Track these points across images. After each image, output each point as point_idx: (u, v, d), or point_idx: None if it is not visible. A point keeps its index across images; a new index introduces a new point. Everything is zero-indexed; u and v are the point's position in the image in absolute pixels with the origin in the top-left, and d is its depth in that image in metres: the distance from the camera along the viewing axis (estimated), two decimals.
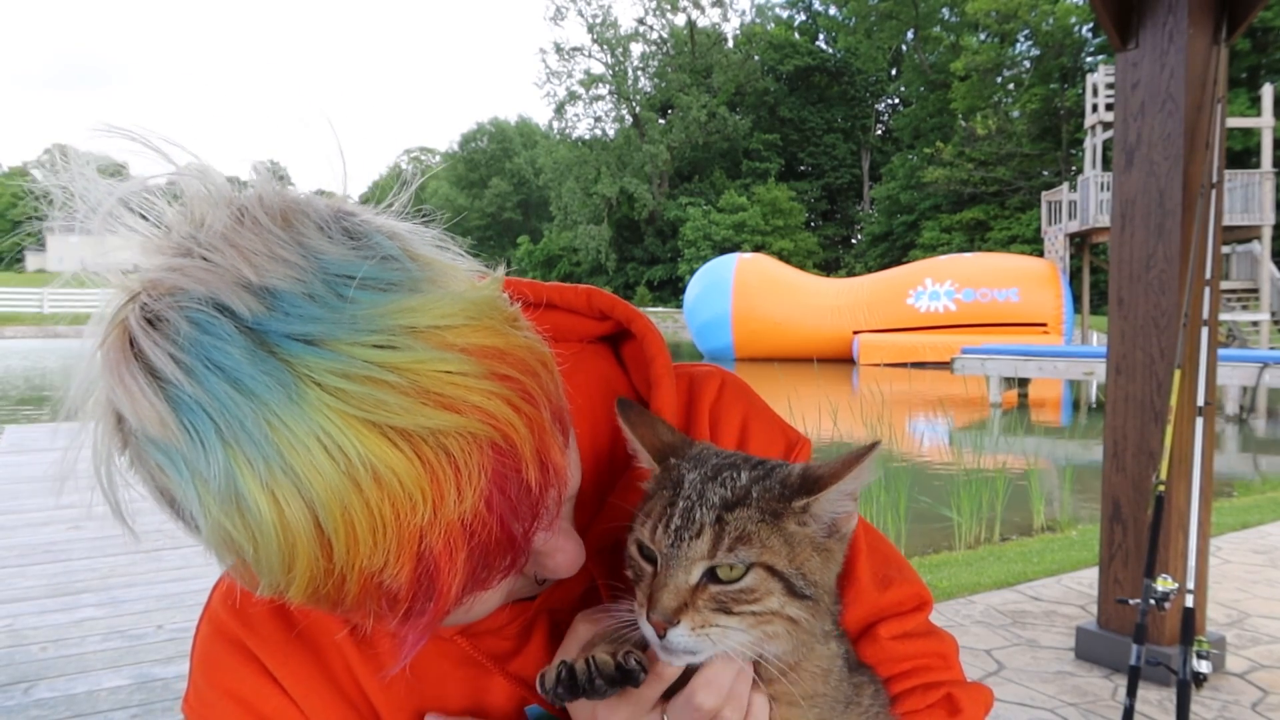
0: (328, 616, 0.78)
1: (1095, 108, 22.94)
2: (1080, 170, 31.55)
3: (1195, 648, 2.93)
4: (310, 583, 0.53)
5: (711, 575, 0.65)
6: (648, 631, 0.65)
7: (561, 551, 0.69)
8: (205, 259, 0.54)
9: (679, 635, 0.64)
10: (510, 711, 0.81)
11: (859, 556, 0.88)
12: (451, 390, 0.53)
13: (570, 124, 65.62)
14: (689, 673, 0.69)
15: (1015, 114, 45.08)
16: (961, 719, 0.85)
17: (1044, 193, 27.66)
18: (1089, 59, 41.50)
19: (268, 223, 0.56)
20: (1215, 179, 3.49)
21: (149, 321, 0.53)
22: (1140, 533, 3.68)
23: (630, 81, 62.25)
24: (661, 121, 60.01)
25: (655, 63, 62.33)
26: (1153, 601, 2.92)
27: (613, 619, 0.73)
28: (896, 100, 60.44)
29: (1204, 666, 2.95)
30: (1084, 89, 26.80)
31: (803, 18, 64.12)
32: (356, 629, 0.78)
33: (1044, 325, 22.91)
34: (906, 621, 0.87)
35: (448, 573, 0.54)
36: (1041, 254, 26.93)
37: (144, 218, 0.58)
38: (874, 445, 0.68)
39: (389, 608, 0.55)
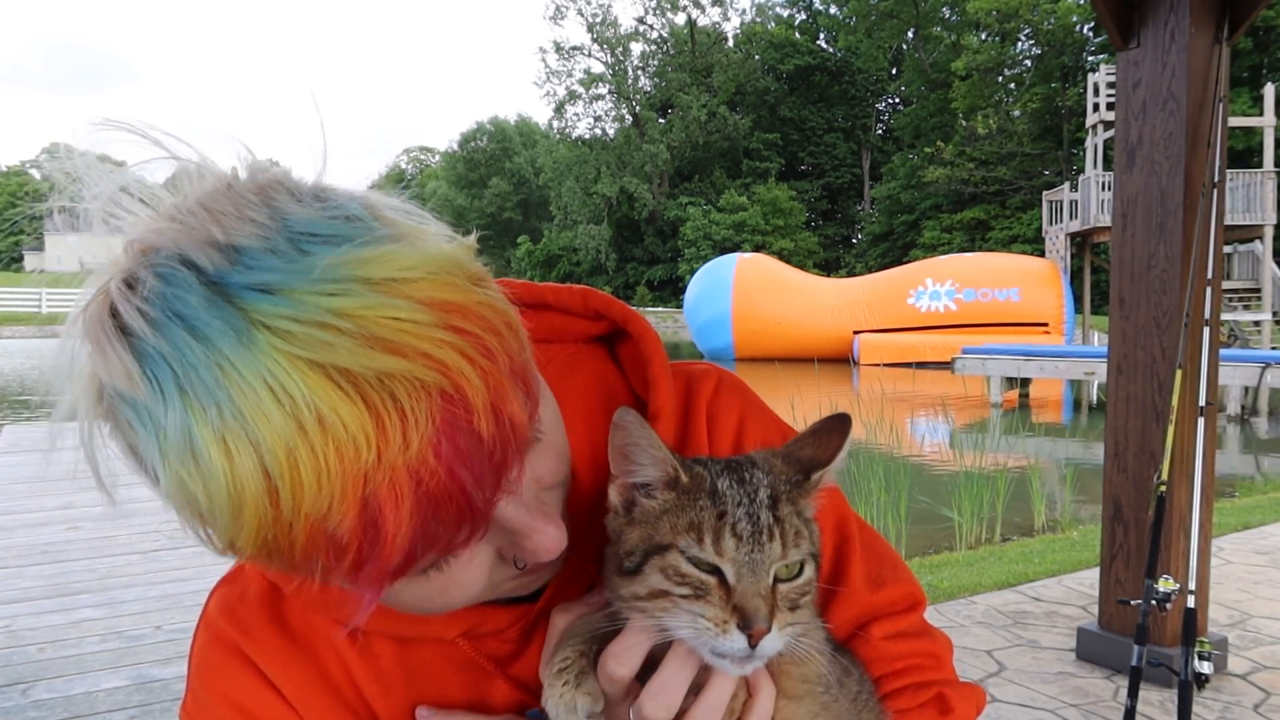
0: (325, 622, 0.78)
1: (1096, 107, 22.92)
2: (1081, 170, 31.53)
3: (1197, 649, 2.93)
4: (259, 531, 0.53)
5: (774, 576, 0.66)
6: (736, 645, 0.64)
7: (541, 533, 0.67)
8: (180, 221, 0.56)
9: (773, 640, 0.64)
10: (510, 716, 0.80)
11: (853, 556, 0.87)
12: (400, 337, 0.53)
13: (570, 123, 65.67)
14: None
15: (1016, 113, 45.06)
16: (952, 718, 0.84)
17: (1045, 192, 27.65)
18: (1090, 58, 41.50)
19: (242, 189, 0.58)
20: (1217, 178, 3.48)
21: (127, 284, 0.55)
22: (1141, 533, 3.67)
23: (630, 81, 62.25)
24: (661, 121, 60.01)
25: (655, 62, 62.34)
26: (1154, 602, 2.91)
27: (585, 608, 0.74)
28: (897, 100, 60.42)
29: (1206, 667, 2.95)
30: (1085, 88, 26.78)
31: (803, 17, 64.11)
32: (354, 634, 0.78)
33: (1045, 325, 22.90)
34: (899, 621, 0.86)
35: (393, 520, 0.53)
36: (1042, 254, 26.92)
37: (144, 203, 0.59)
38: (845, 419, 0.70)
39: (336, 559, 0.55)
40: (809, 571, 0.67)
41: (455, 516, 0.56)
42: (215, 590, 0.83)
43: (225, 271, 0.53)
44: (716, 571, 0.65)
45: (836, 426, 0.71)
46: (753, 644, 0.63)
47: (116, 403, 0.54)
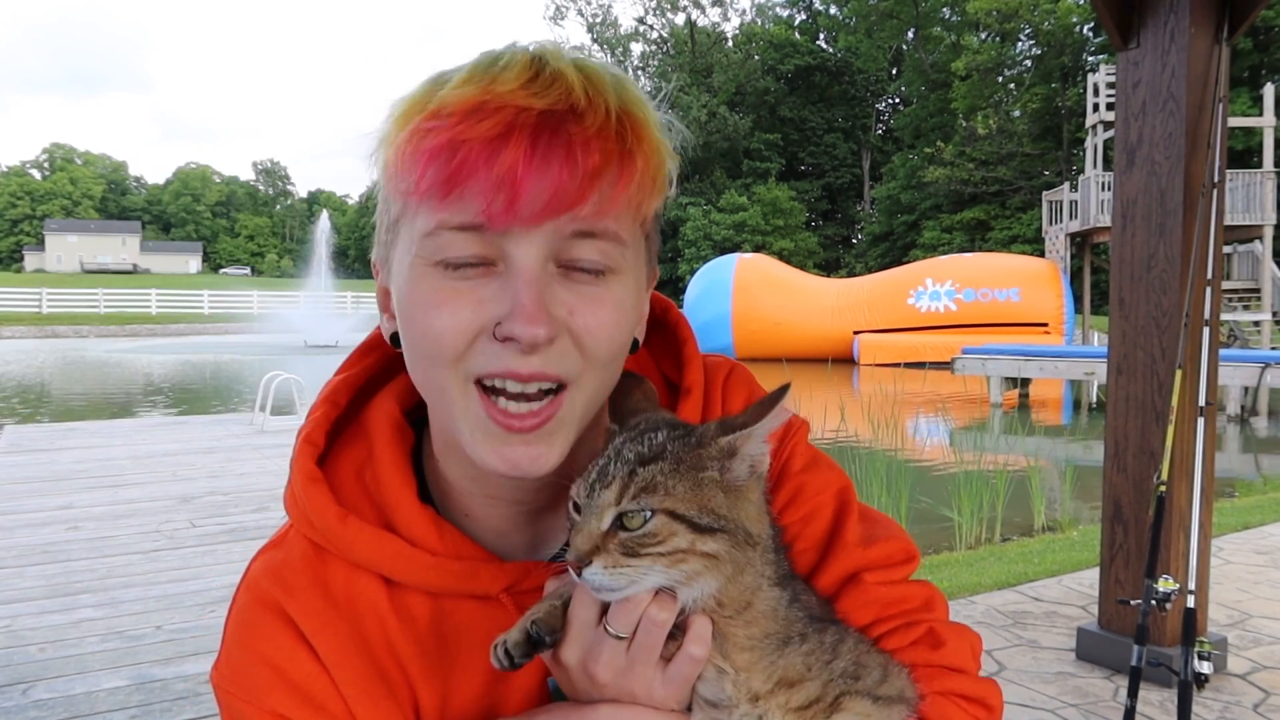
0: (368, 584, 0.81)
1: (1096, 107, 22.92)
2: (1081, 170, 31.53)
3: (1197, 648, 2.93)
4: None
5: (621, 523, 0.71)
6: (571, 569, 0.72)
7: (534, 320, 0.71)
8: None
9: (593, 574, 0.70)
10: (535, 682, 0.82)
11: (849, 519, 0.89)
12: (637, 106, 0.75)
13: None
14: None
15: (1016, 113, 45.07)
16: (944, 651, 0.84)
17: (1045, 192, 27.63)
18: (1090, 58, 41.50)
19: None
20: (1217, 178, 3.48)
21: None
22: (1141, 533, 3.67)
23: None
24: None
25: (655, 62, 62.31)
26: (1154, 602, 2.91)
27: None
28: (897, 100, 60.43)
29: (1205, 667, 2.95)
30: (1085, 88, 26.80)
31: (803, 17, 64.12)
32: (392, 591, 0.80)
33: (1045, 325, 22.88)
34: (893, 572, 0.88)
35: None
36: (1042, 254, 26.91)
37: None
38: (785, 387, 0.73)
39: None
40: (654, 526, 0.70)
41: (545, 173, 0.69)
42: (258, 556, 0.85)
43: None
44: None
45: (774, 398, 0.74)
46: (577, 572, 0.71)
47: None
